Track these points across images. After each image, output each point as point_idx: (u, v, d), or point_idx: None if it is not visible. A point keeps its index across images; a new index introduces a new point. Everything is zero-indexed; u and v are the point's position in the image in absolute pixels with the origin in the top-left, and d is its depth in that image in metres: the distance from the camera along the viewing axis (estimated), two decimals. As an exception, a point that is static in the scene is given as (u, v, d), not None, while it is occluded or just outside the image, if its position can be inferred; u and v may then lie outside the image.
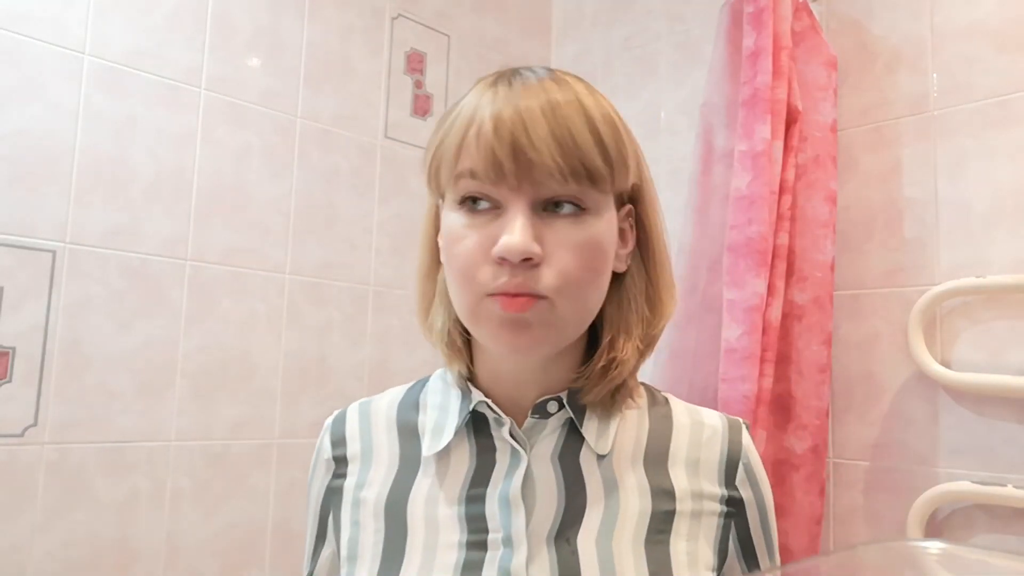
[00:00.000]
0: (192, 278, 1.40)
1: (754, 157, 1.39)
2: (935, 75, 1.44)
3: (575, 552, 0.59)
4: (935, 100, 1.43)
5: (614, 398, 0.64)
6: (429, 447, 0.65)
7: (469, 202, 0.59)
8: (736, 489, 0.66)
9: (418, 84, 1.78)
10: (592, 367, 0.63)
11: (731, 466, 0.66)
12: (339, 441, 0.69)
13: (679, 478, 0.64)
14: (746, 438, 0.68)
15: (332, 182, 1.62)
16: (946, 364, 1.36)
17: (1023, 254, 1.31)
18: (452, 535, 0.61)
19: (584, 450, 0.63)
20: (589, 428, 0.63)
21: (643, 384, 0.71)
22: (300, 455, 1.52)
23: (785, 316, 1.43)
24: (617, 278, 0.64)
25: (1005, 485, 1.27)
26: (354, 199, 1.65)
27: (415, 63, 1.78)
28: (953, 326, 1.36)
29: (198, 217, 1.42)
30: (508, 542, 0.59)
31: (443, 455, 0.64)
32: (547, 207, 0.58)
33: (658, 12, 1.87)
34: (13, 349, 1.21)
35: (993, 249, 1.34)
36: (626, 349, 0.62)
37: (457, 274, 0.59)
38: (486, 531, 0.60)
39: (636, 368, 0.65)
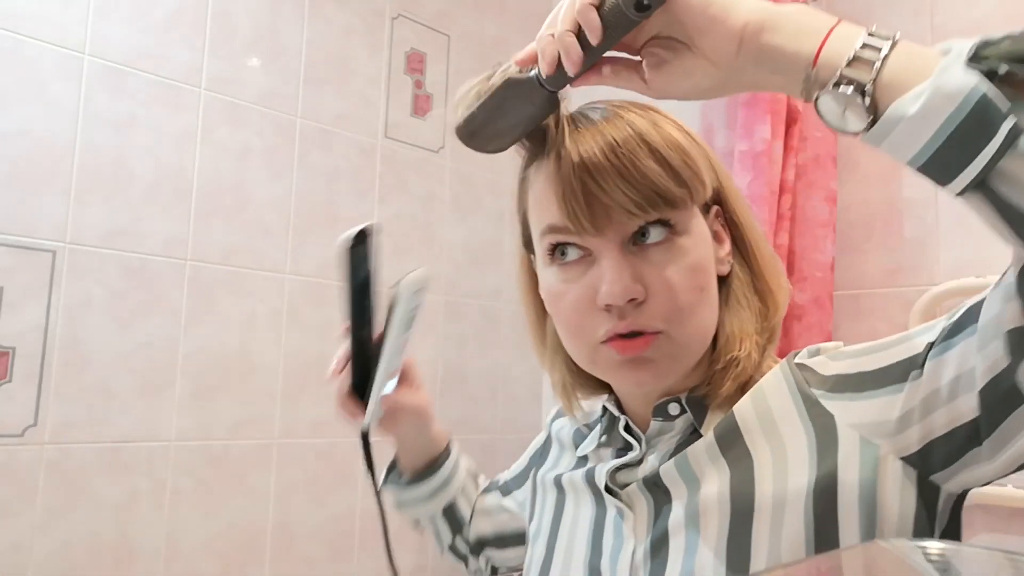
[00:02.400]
0: (192, 278, 1.40)
1: (754, 157, 1.39)
2: (935, 75, 1.43)
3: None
4: (935, 100, 1.43)
5: (743, 395, 0.62)
6: (583, 449, 0.72)
7: (559, 254, 0.60)
8: (825, 411, 0.56)
9: (418, 84, 1.78)
10: (712, 371, 0.62)
11: (806, 393, 0.58)
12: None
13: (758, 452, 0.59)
14: (812, 350, 0.62)
15: (332, 182, 1.61)
16: (946, 364, 1.35)
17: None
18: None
19: None
20: (708, 429, 0.62)
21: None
22: (300, 455, 1.52)
23: (785, 316, 1.42)
24: (723, 280, 0.64)
25: (1005, 485, 1.27)
26: (354, 199, 1.65)
27: (415, 63, 1.78)
28: (953, 326, 1.36)
29: (198, 217, 1.42)
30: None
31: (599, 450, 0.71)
32: (636, 240, 0.58)
33: (658, 12, 1.86)
34: (13, 349, 1.21)
35: (993, 249, 1.34)
36: (744, 347, 0.61)
37: (566, 329, 0.61)
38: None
39: (761, 362, 0.63)
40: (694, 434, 0.62)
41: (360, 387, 0.72)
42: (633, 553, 0.61)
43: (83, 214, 1.29)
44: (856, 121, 0.45)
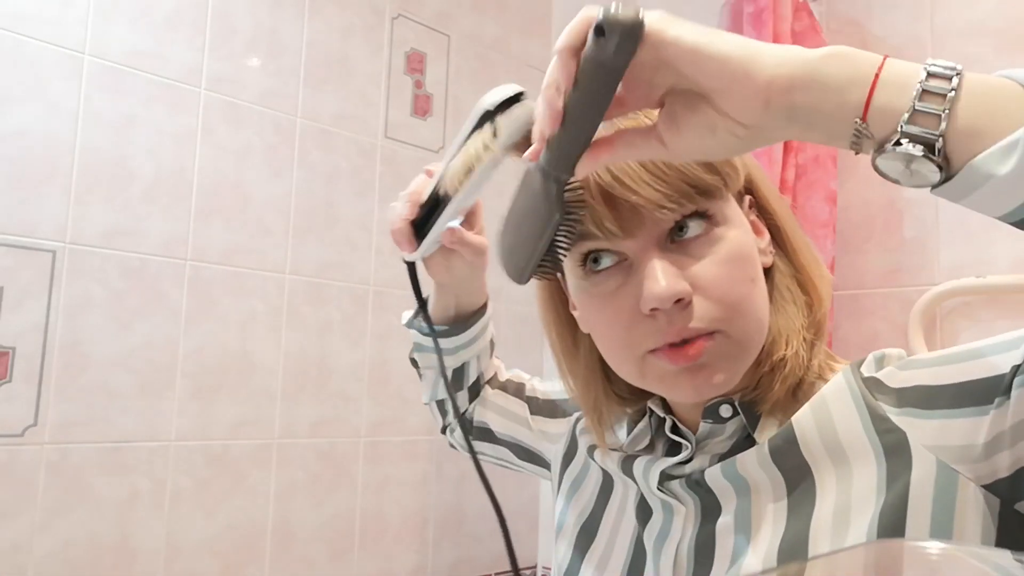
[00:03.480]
0: (192, 278, 1.40)
1: (754, 157, 1.39)
2: (935, 75, 1.43)
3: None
4: (935, 100, 1.43)
5: (795, 397, 0.58)
6: (629, 445, 0.67)
7: (591, 262, 0.56)
8: (895, 428, 0.52)
9: (418, 84, 1.78)
10: (760, 374, 0.57)
11: (875, 412, 0.53)
12: None
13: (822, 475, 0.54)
14: (878, 358, 0.56)
15: (332, 182, 1.62)
16: (946, 364, 1.36)
17: (1023, 254, 1.31)
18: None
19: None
20: (763, 435, 0.58)
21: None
22: (300, 455, 1.52)
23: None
24: (765, 274, 0.59)
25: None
26: (354, 199, 1.65)
27: (415, 63, 1.78)
28: (953, 326, 1.36)
29: (198, 217, 1.42)
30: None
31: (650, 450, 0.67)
32: (674, 237, 0.54)
33: (658, 12, 1.87)
34: (13, 349, 1.21)
35: (993, 249, 1.34)
36: (791, 345, 0.56)
37: (610, 343, 0.57)
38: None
39: (810, 359, 0.58)
40: (747, 439, 0.58)
41: (421, 225, 0.69)
42: (678, 547, 0.59)
43: (83, 214, 1.29)
44: (928, 175, 0.39)
